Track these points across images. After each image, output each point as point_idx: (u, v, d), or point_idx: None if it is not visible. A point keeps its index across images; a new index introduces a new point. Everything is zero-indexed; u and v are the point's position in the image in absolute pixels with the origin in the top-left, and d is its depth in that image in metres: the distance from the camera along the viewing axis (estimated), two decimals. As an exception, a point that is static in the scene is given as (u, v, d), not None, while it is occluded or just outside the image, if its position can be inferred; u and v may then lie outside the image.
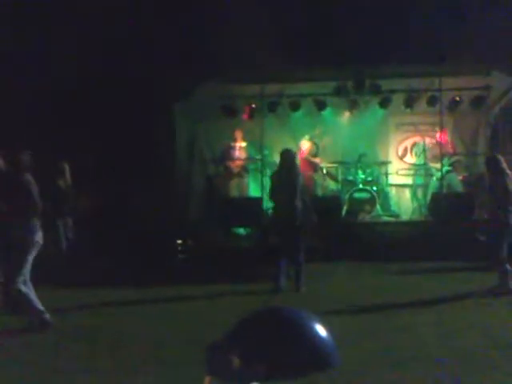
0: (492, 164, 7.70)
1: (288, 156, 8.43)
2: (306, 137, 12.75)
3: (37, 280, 6.22)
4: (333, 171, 12.79)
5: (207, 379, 1.89)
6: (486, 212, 7.90)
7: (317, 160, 12.55)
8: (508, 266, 7.44)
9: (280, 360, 1.71)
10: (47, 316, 6.07)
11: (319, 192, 12.55)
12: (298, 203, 8.07)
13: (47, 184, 9.04)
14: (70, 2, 12.29)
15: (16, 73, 11.67)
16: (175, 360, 5.02)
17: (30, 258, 5.99)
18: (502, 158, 7.76)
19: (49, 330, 5.95)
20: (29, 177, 6.11)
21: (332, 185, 12.93)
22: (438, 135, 11.97)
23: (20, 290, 5.93)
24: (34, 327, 6.00)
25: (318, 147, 12.64)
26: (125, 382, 4.49)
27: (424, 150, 12.62)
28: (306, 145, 12.66)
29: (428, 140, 12.82)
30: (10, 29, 12.12)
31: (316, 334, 1.79)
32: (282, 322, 1.79)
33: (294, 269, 8.14)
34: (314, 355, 1.75)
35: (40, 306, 6.06)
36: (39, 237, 6.11)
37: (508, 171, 7.61)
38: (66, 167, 9.36)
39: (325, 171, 12.69)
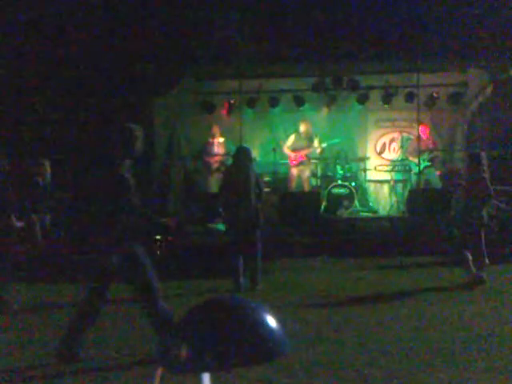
0: (474, 161, 7.73)
1: (239, 154, 8.15)
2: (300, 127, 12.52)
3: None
4: (312, 167, 12.79)
5: (158, 370, 1.89)
6: (459, 206, 7.94)
7: (301, 153, 12.45)
8: (466, 252, 7.52)
9: (227, 349, 1.71)
10: None
11: (300, 186, 12.55)
12: (253, 201, 7.82)
13: (25, 180, 8.97)
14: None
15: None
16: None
17: None
18: (484, 155, 7.83)
19: None
20: None
21: (312, 180, 12.92)
22: (419, 129, 12.01)
23: None
24: None
25: (303, 139, 12.51)
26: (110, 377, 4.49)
27: (403, 146, 12.68)
28: (291, 139, 12.55)
29: (406, 135, 12.90)
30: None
31: (263, 324, 1.79)
32: (229, 312, 1.79)
33: (250, 267, 7.90)
34: (261, 345, 1.75)
35: None
36: None
37: (486, 168, 7.68)
38: (46, 164, 9.21)
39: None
